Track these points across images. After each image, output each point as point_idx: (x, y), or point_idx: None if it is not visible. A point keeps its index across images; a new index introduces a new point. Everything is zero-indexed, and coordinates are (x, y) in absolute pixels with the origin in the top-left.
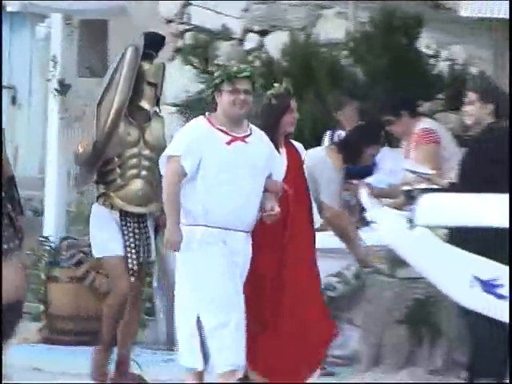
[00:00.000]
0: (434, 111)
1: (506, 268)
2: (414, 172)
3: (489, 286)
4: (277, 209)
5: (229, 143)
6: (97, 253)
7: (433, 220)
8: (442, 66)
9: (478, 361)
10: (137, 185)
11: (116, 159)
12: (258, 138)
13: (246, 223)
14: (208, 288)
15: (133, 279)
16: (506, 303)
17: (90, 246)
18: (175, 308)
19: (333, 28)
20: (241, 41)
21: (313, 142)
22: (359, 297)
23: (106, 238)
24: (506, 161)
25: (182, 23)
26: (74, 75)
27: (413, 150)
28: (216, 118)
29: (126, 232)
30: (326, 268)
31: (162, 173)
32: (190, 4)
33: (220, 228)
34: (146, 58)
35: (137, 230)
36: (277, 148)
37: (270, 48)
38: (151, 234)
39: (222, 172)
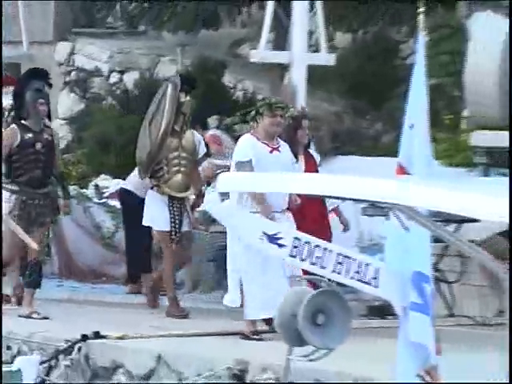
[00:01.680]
0: (234, 123)
1: (285, 227)
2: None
3: (272, 239)
4: (299, 200)
5: (271, 152)
6: (152, 225)
7: (230, 189)
8: (238, 94)
9: None
10: (178, 177)
11: (164, 160)
12: (285, 147)
13: (281, 205)
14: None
15: (174, 246)
16: (284, 249)
17: None
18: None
19: (167, 69)
20: (107, 77)
21: None
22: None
23: (156, 216)
24: None
25: (69, 65)
26: None
27: None
28: (259, 134)
29: (171, 211)
30: None
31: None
32: (74, 53)
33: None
34: (182, 92)
35: (181, 209)
36: (296, 155)
37: (127, 82)
38: (188, 210)
39: (268, 171)
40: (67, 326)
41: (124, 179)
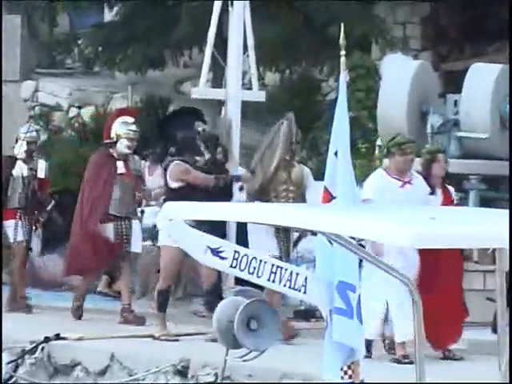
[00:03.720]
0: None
1: (226, 241)
2: None
3: (215, 252)
4: None
5: (402, 186)
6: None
7: (173, 216)
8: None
9: None
10: None
11: (273, 192)
12: (417, 179)
13: None
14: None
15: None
16: (225, 261)
17: None
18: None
19: (119, 105)
20: (67, 112)
21: None
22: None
23: (264, 243)
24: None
25: (33, 101)
26: None
27: None
28: (390, 170)
29: (278, 238)
30: None
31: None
32: (38, 90)
33: None
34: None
35: (287, 236)
36: (433, 188)
37: (84, 115)
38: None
39: (399, 205)
40: (32, 328)
41: None
